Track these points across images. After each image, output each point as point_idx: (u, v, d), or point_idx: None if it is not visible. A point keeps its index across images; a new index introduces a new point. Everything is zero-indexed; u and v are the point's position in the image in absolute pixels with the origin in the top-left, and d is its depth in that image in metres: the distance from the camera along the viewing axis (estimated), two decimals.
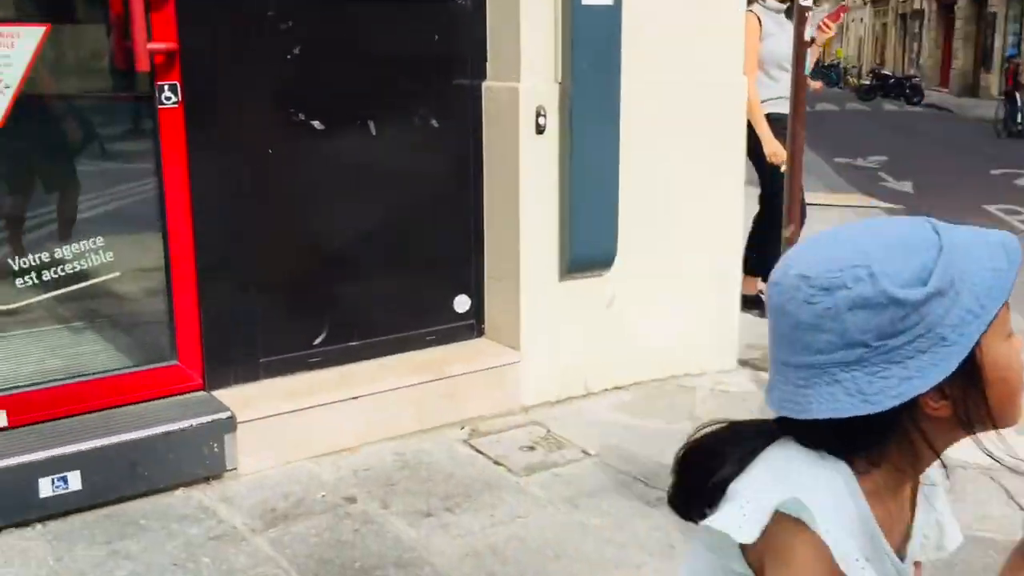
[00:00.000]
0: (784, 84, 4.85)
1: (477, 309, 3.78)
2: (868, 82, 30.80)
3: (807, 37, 3.90)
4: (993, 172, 12.79)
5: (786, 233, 4.09)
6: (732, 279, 4.20)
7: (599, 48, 3.48)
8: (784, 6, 4.84)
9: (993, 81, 28.16)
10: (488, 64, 3.59)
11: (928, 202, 10.37)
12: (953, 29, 32.33)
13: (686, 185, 3.93)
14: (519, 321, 3.64)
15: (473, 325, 3.79)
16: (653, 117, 3.79)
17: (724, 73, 3.97)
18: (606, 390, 3.93)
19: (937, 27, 34.53)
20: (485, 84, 3.61)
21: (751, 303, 4.95)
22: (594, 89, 3.50)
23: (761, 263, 4.87)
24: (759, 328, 4.77)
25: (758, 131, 4.68)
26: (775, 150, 4.65)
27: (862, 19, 49.13)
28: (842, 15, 5.04)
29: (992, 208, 9.82)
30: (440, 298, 3.71)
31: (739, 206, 4.15)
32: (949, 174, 12.81)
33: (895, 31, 42.11)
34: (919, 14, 37.10)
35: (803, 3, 3.78)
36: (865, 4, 47.67)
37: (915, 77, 31.22)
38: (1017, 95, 17.86)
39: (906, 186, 11.67)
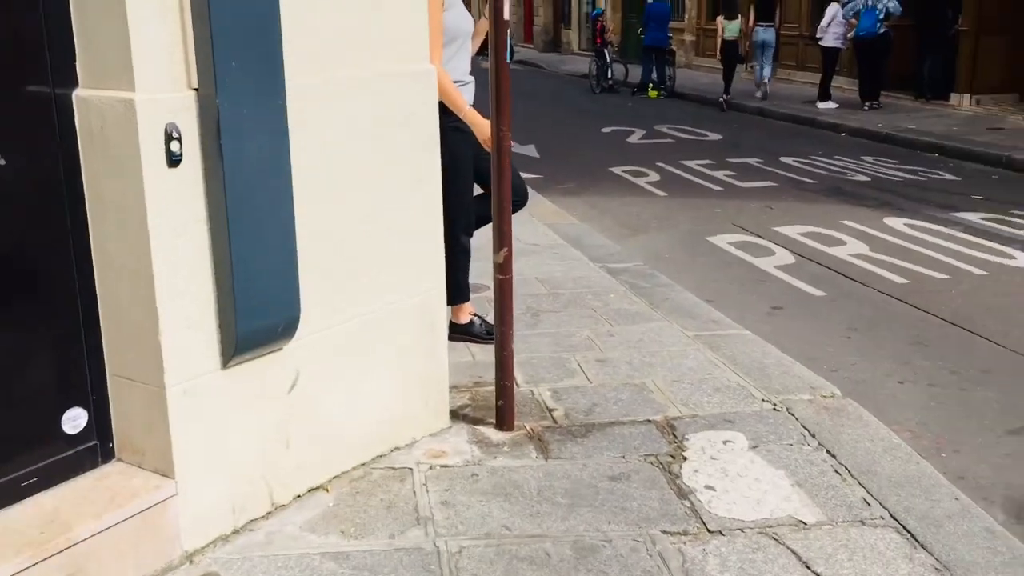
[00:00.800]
0: (466, 64, 4.06)
1: (100, 425, 2.58)
2: None
3: (505, 15, 3.09)
4: (604, 130, 13.15)
5: (497, 259, 3.30)
6: (438, 317, 3.34)
7: (251, 38, 2.41)
8: None
9: (573, 37, 29.82)
10: (78, 64, 2.36)
11: (557, 167, 10.27)
12: None
13: (376, 208, 2.99)
14: (168, 435, 2.50)
15: (96, 448, 2.58)
16: (330, 125, 2.79)
17: (411, 58, 3.05)
18: (299, 497, 2.92)
19: None
20: (77, 94, 2.38)
21: (462, 331, 4.18)
22: (248, 96, 2.43)
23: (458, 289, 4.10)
24: (470, 368, 4.10)
25: (463, 116, 3.83)
26: (489, 135, 3.83)
27: None
28: None
29: (619, 171, 9.90)
30: (38, 417, 2.46)
31: (438, 222, 3.29)
32: (565, 136, 12.96)
33: None
34: None
35: None
36: None
37: None
38: (606, 52, 18.75)
39: (531, 150, 11.55)
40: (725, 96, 15.48)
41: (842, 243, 6.69)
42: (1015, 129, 11.53)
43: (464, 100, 3.88)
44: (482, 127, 3.78)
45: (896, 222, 7.26)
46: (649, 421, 3.47)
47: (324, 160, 2.78)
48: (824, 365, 4.34)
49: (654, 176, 9.56)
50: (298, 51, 2.60)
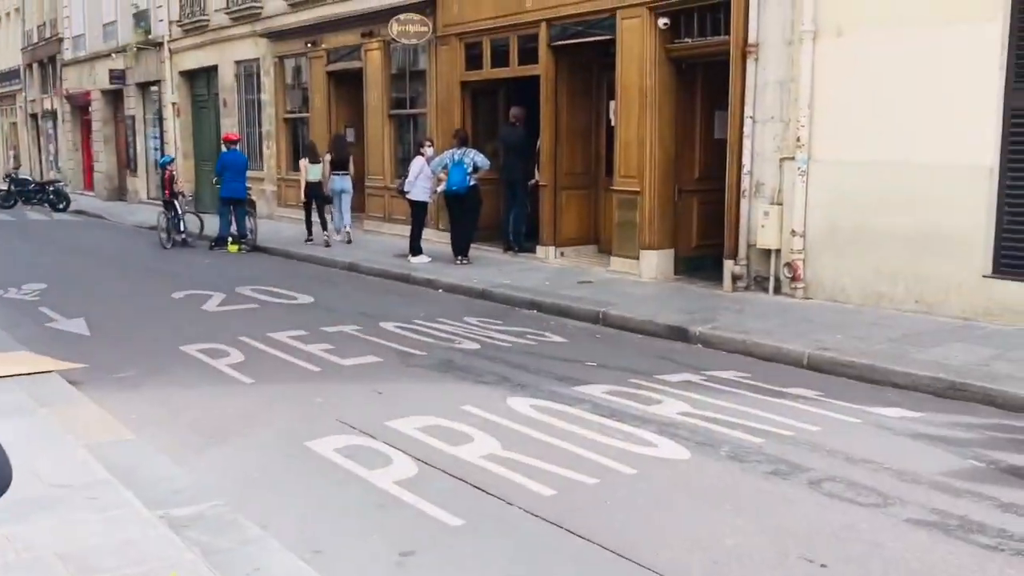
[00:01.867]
0: None
1: None
2: (6, 188, 27.43)
3: None
4: (176, 295, 11.33)
5: None
6: None
7: None
8: None
9: (141, 185, 27.44)
10: None
11: (113, 349, 8.33)
12: (91, 131, 30.95)
13: None
14: None
15: None
16: None
17: None
18: None
19: (74, 128, 32.80)
20: None
21: None
22: None
23: None
24: None
25: None
26: None
27: None
28: None
29: (194, 350, 8.20)
30: None
31: None
32: (127, 304, 10.95)
33: (28, 132, 39.15)
34: (52, 114, 34.92)
35: None
36: None
37: (59, 181, 28.92)
38: (176, 203, 16.96)
39: (80, 326, 9.46)
40: (310, 238, 16.06)
41: (469, 439, 5.62)
42: (602, 282, 11.60)
43: None
44: None
45: (520, 403, 6.38)
46: None
47: None
48: None
49: (237, 356, 7.99)
50: None
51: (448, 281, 12.13)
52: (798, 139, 9.79)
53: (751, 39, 10.22)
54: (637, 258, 11.83)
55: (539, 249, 13.56)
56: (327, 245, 15.71)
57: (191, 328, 9.24)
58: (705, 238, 12.08)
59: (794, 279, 9.94)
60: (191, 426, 6.06)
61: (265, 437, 5.80)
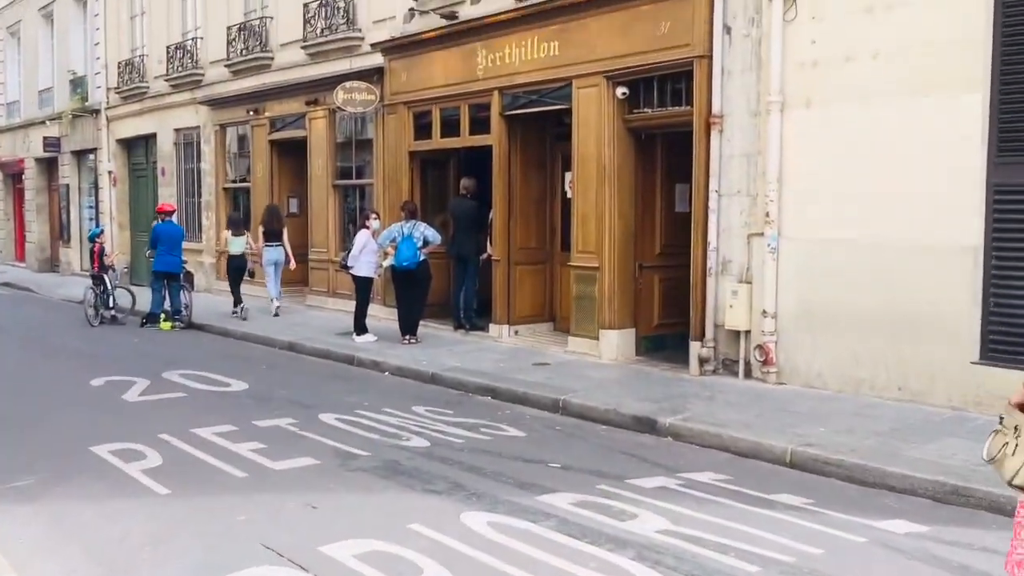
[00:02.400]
0: None
1: None
2: None
3: None
4: (95, 382, 10.35)
5: None
6: None
7: None
8: None
9: (74, 256, 26.27)
10: None
11: (12, 450, 7.34)
12: (24, 199, 29.77)
13: None
14: None
15: None
16: None
17: None
18: None
19: (6, 197, 31.56)
20: None
21: None
22: None
23: None
24: None
25: None
26: None
27: None
28: None
29: (105, 451, 7.25)
30: None
31: None
32: (38, 393, 9.95)
33: None
34: None
35: None
36: None
37: None
38: (106, 277, 15.97)
39: None
40: (235, 309, 15.60)
41: (417, 570, 4.78)
42: (560, 364, 10.88)
43: None
44: None
45: (476, 520, 5.56)
46: None
47: None
48: None
49: (154, 458, 7.06)
50: None
51: (395, 363, 11.31)
52: (767, 214, 9.24)
53: (715, 110, 9.73)
54: (596, 338, 11.14)
55: (492, 327, 12.82)
56: (244, 319, 15.28)
57: (107, 423, 8.28)
58: (667, 316, 11.46)
59: (766, 363, 9.30)
60: (88, 553, 5.14)
61: (174, 570, 4.90)
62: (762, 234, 9.36)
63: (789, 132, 9.14)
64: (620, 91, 10.82)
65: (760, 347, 9.31)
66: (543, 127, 12.75)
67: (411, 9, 13.63)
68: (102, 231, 17.50)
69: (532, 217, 12.82)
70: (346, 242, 16.19)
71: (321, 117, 16.22)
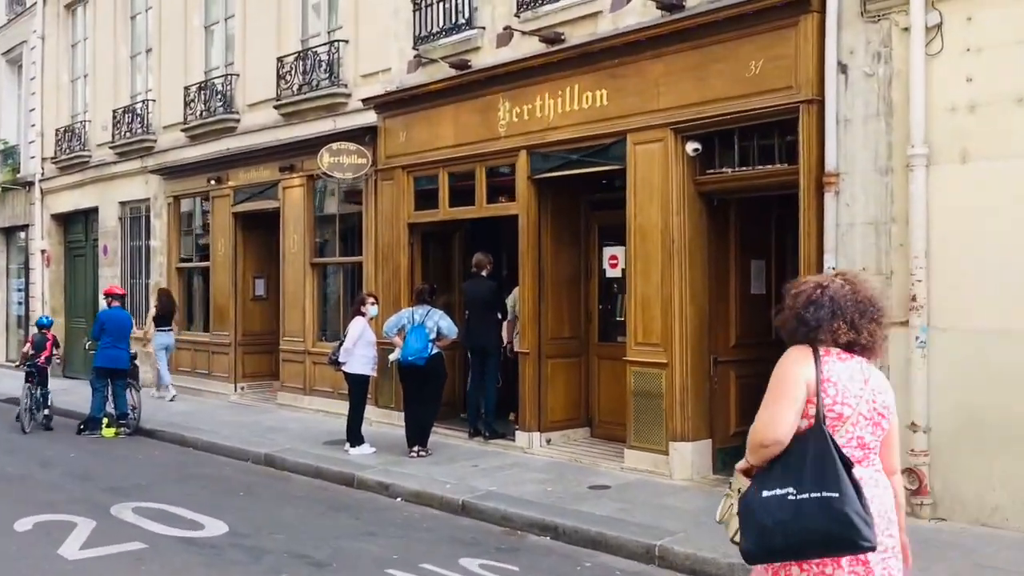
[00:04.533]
0: None
1: None
2: None
3: None
4: (21, 526, 7.73)
5: None
6: None
7: None
8: None
9: (0, 344, 23.34)
10: None
11: None
12: None
13: None
14: None
15: None
16: None
17: None
18: None
19: None
20: None
21: None
22: None
23: None
24: None
25: None
26: None
27: None
28: None
29: None
30: None
31: None
32: None
33: None
34: None
35: None
36: None
37: None
38: (48, 371, 13.39)
39: None
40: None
41: None
42: (622, 487, 8.63)
43: None
44: None
45: None
46: None
47: None
48: None
49: None
50: None
51: (410, 486, 8.95)
52: (913, 299, 7.20)
53: (830, 166, 7.75)
54: (665, 451, 8.91)
55: (519, 435, 10.51)
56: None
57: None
58: (744, 422, 9.31)
59: (918, 492, 7.16)
60: None
61: None
62: (902, 323, 7.29)
63: (937, 193, 7.17)
64: (692, 147, 8.81)
65: (911, 471, 7.16)
66: (576, 193, 10.69)
67: (417, 56, 11.57)
68: (51, 322, 14.75)
69: (564, 300, 10.64)
70: (326, 329, 13.89)
71: (298, 185, 13.99)
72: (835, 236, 7.73)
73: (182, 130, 16.53)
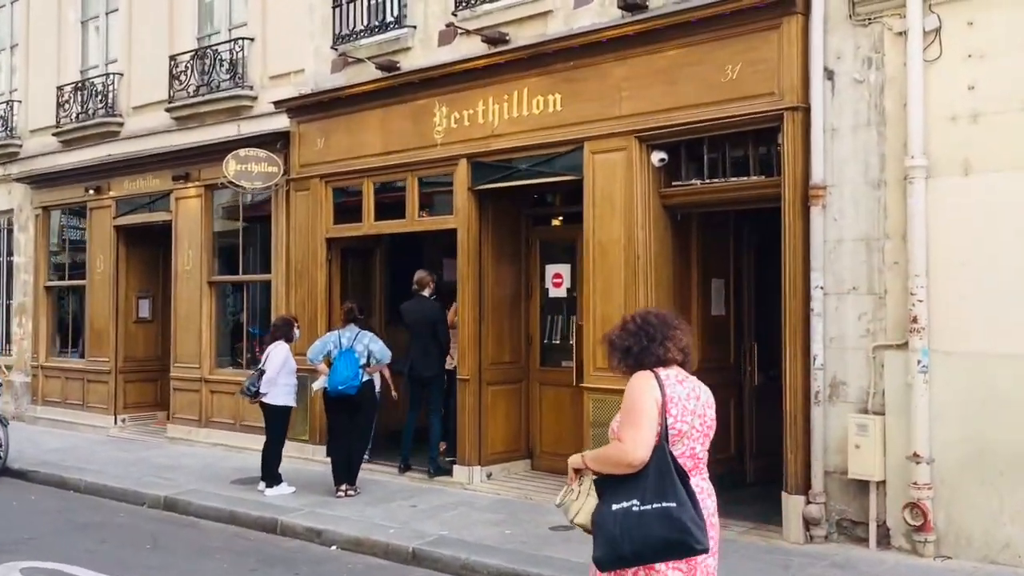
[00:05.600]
0: None
1: None
2: None
3: None
4: None
5: None
6: None
7: None
8: None
9: None
10: None
11: None
12: None
13: None
14: None
15: None
16: None
17: None
18: None
19: None
20: None
21: None
22: None
23: None
24: None
25: None
26: None
27: None
28: None
29: None
30: None
31: None
32: None
33: None
34: None
35: None
36: None
37: None
38: None
39: None
40: None
41: None
42: None
43: None
44: None
45: None
46: None
47: None
48: None
49: None
50: None
51: (347, 532, 7.92)
52: (913, 320, 6.71)
53: (816, 179, 7.24)
54: None
55: (457, 470, 9.60)
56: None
57: None
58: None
59: (922, 528, 6.65)
60: None
61: None
62: (899, 346, 6.83)
63: (937, 208, 6.74)
64: (658, 157, 8.19)
65: (913, 506, 6.65)
66: (517, 206, 9.92)
67: (342, 55, 10.56)
68: None
69: (505, 322, 9.83)
70: (222, 353, 12.66)
71: (194, 196, 12.70)
72: (823, 253, 7.22)
73: (54, 134, 14.95)
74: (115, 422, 13.93)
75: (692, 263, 8.73)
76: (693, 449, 3.58)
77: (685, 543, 3.39)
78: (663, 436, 3.47)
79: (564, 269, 9.73)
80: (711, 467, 3.81)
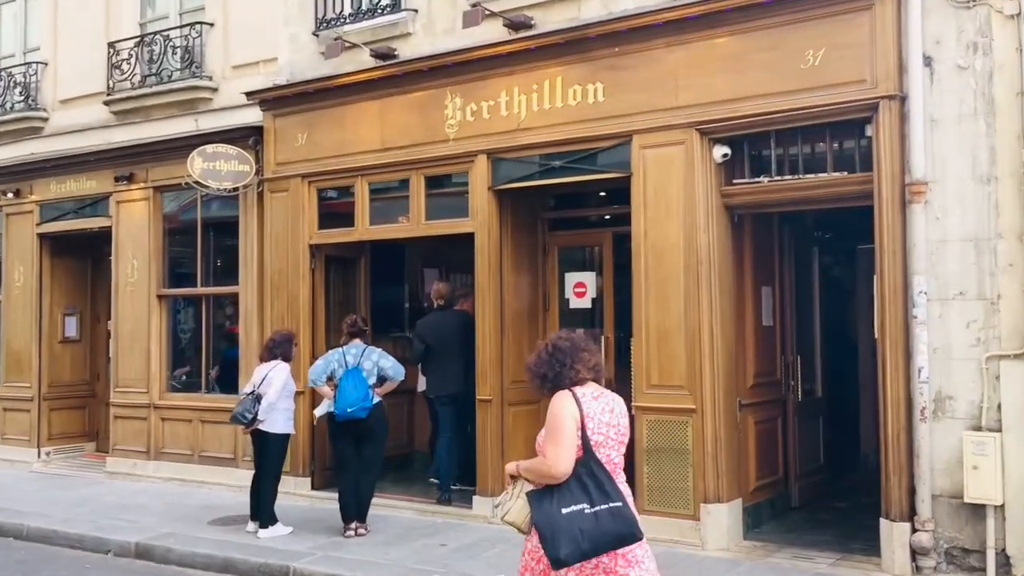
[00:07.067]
0: None
1: None
2: None
3: None
4: None
5: None
6: None
7: None
8: None
9: None
10: None
11: None
12: None
13: None
14: None
15: None
16: None
17: None
18: None
19: None
20: None
21: None
22: None
23: None
24: None
25: None
26: None
27: None
28: None
29: None
30: None
31: None
32: None
33: None
34: None
35: None
36: None
37: None
38: None
39: None
40: None
41: None
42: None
43: None
44: None
45: None
46: None
47: None
48: None
49: None
50: None
51: None
52: None
53: (917, 174, 6.62)
54: (694, 516, 7.36)
55: (477, 501, 8.59)
56: None
57: None
58: (763, 475, 8.04)
59: None
60: None
61: None
62: (1018, 355, 6.26)
63: None
64: (720, 152, 7.44)
65: None
66: (534, 209, 9.03)
67: (337, 38, 9.41)
68: None
69: (525, 337, 8.88)
70: (177, 373, 11.28)
71: (140, 199, 11.28)
72: (925, 255, 6.59)
73: None
74: (39, 455, 12.31)
75: (745, 269, 8.01)
76: (610, 456, 3.93)
77: (633, 535, 3.83)
78: (587, 447, 3.85)
79: (588, 278, 8.90)
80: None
